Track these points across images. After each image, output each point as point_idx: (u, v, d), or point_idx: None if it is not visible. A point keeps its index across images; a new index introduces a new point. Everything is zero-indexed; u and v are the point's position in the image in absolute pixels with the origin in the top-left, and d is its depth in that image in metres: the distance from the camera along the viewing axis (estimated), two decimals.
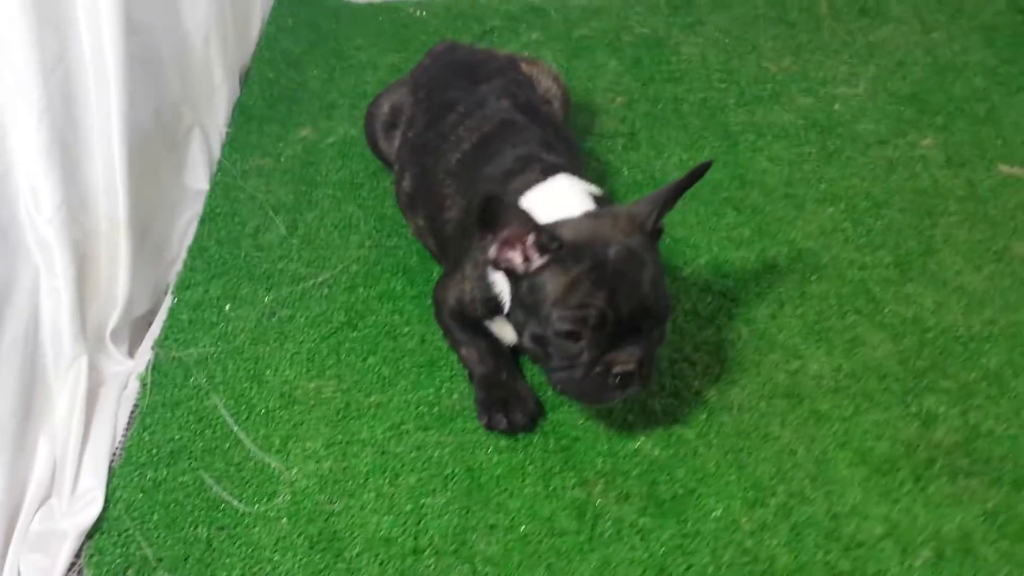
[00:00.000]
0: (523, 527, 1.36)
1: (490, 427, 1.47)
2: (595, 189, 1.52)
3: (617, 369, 1.31)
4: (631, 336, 1.32)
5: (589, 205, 1.45)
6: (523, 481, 1.42)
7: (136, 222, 1.67)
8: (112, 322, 1.62)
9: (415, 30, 2.47)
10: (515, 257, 1.35)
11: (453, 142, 1.67)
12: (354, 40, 2.44)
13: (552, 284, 1.31)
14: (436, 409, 1.54)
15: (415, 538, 1.36)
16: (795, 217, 1.86)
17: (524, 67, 1.88)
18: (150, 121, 1.78)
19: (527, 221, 1.31)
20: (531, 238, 1.32)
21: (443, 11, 2.56)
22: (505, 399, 1.48)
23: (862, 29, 2.39)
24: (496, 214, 1.29)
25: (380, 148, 1.91)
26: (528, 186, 1.50)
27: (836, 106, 2.15)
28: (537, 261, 1.33)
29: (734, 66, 2.29)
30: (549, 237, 1.31)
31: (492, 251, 1.34)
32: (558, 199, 1.45)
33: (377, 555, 1.34)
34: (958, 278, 1.71)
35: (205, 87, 2.02)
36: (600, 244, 1.32)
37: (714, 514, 1.37)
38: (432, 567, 1.32)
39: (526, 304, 1.35)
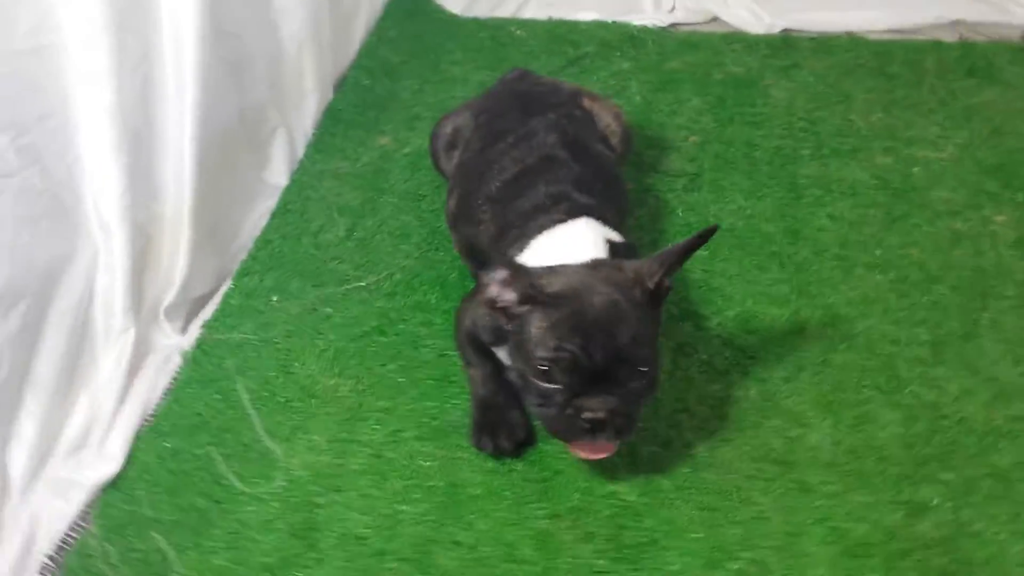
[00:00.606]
0: (485, 549, 1.42)
1: (478, 447, 1.54)
2: (615, 236, 1.56)
3: (587, 415, 1.35)
4: (606, 385, 1.36)
5: (601, 252, 1.50)
6: (497, 504, 1.48)
7: (203, 211, 1.82)
8: (167, 300, 1.78)
9: (511, 49, 2.55)
10: (507, 298, 1.41)
11: (497, 170, 1.74)
12: (452, 54, 2.54)
13: (534, 326, 1.38)
14: (436, 422, 1.61)
15: (385, 541, 1.44)
16: (840, 281, 1.82)
17: (586, 102, 1.92)
18: (234, 121, 1.94)
19: (517, 271, 1.39)
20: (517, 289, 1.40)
21: (543, 32, 2.62)
22: (496, 423, 1.55)
23: (965, 90, 2.30)
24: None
25: (440, 166, 2.01)
26: (548, 225, 1.56)
27: (915, 169, 2.08)
28: (522, 307, 1.40)
29: (819, 115, 2.25)
30: (531, 286, 1.38)
31: (488, 291, 1.42)
32: (571, 243, 1.51)
33: (347, 551, 1.43)
34: (993, 367, 1.64)
35: (295, 92, 2.17)
36: (585, 293, 1.37)
37: (671, 567, 1.39)
38: (392, 570, 1.40)
39: (514, 341, 1.42)
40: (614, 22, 2.64)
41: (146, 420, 1.66)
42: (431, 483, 1.52)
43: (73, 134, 1.55)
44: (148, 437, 1.62)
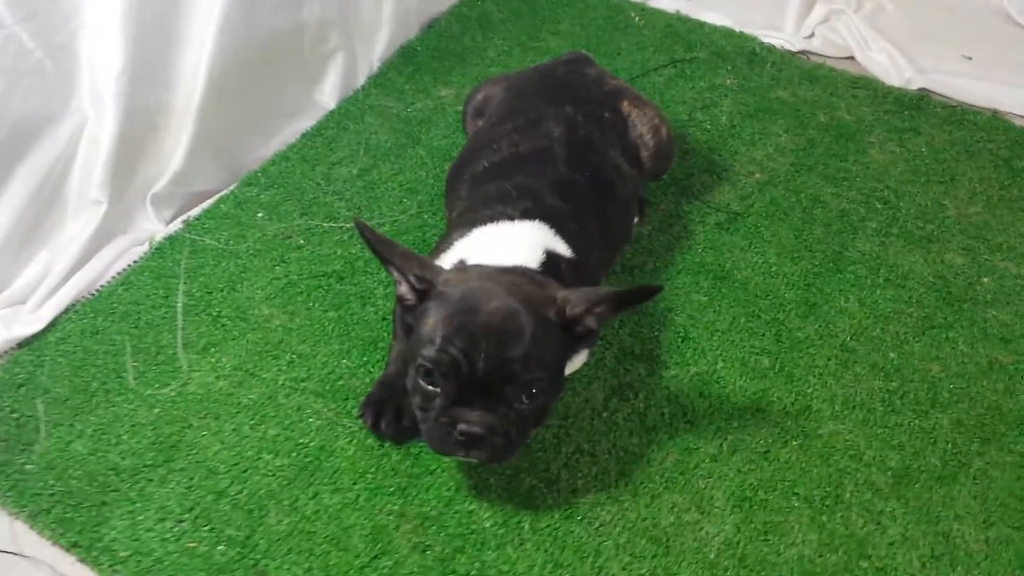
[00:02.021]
0: (318, 523, 1.37)
1: (360, 417, 1.48)
2: (564, 248, 1.44)
3: (462, 427, 1.25)
4: (488, 400, 1.26)
5: (534, 262, 1.38)
6: (353, 484, 1.42)
7: (218, 110, 1.83)
8: (157, 187, 1.80)
9: (619, 33, 2.40)
10: (405, 290, 1.33)
11: (492, 149, 1.65)
12: (558, 24, 2.42)
13: (425, 323, 1.29)
14: (341, 382, 1.56)
15: (230, 482, 1.42)
16: (831, 374, 1.61)
17: (625, 105, 1.78)
18: (284, 30, 1.94)
19: (406, 260, 1.30)
20: (407, 281, 1.31)
21: (662, 25, 2.45)
22: (387, 402, 1.47)
23: None
24: (379, 244, 1.29)
25: (466, 130, 1.93)
26: (496, 219, 1.46)
27: (986, 279, 1.80)
28: (413, 296, 1.32)
29: (909, 191, 1.98)
30: (419, 279, 1.30)
31: (398, 288, 1.34)
32: (506, 243, 1.41)
33: (192, 479, 1.42)
34: (954, 523, 1.41)
35: (366, 20, 2.13)
36: (484, 298, 1.27)
37: None
38: (223, 514, 1.37)
39: (412, 337, 1.33)
40: (740, 33, 2.43)
41: (91, 294, 1.69)
42: (303, 440, 1.48)
43: (80, 7, 1.57)
44: (82, 311, 1.66)
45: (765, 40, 2.41)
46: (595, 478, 1.44)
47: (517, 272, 1.34)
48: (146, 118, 1.74)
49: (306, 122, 2.06)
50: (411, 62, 2.25)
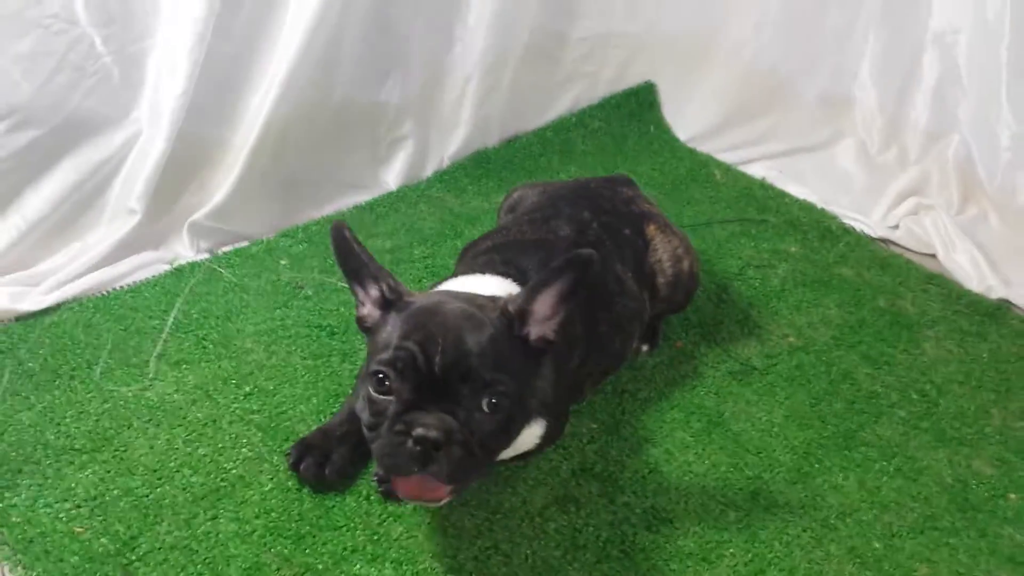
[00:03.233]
0: (203, 545, 1.33)
1: (286, 454, 1.44)
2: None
3: (418, 432, 1.14)
4: (445, 402, 1.17)
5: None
6: (255, 518, 1.38)
7: (271, 161, 1.94)
8: (196, 215, 1.89)
9: (699, 186, 2.40)
10: (368, 311, 1.31)
11: (500, 235, 1.66)
12: (638, 165, 2.45)
13: (382, 331, 1.25)
14: (288, 424, 1.55)
15: (140, 485, 1.41)
16: (802, 545, 1.45)
17: (651, 229, 1.75)
18: (364, 106, 2.06)
19: (382, 270, 1.28)
20: (379, 288, 1.28)
21: (741, 185, 2.43)
22: (317, 447, 1.44)
23: None
24: (358, 249, 1.27)
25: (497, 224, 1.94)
26: (468, 272, 1.47)
27: (1012, 495, 1.60)
28: (376, 311, 1.29)
29: (954, 390, 1.82)
30: (391, 289, 1.27)
31: (360, 309, 1.32)
32: (474, 287, 1.38)
33: (108, 472, 1.42)
34: None
35: (446, 117, 2.22)
36: (443, 302, 1.25)
37: None
38: (120, 511, 1.36)
39: (367, 355, 1.30)
40: (821, 209, 2.37)
41: (100, 293, 1.77)
42: (227, 466, 1.46)
43: (155, 24, 1.71)
44: (84, 304, 1.74)
45: (845, 220, 2.34)
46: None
47: (471, 295, 1.31)
48: (199, 147, 1.85)
49: (363, 196, 2.14)
50: (481, 167, 2.31)
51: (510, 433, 1.28)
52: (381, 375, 1.20)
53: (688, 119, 2.61)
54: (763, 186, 2.45)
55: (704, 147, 2.59)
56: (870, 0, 2.52)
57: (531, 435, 1.43)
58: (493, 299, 1.30)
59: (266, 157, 1.93)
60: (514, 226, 1.67)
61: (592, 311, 1.57)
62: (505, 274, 1.46)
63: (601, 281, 1.61)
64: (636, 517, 1.46)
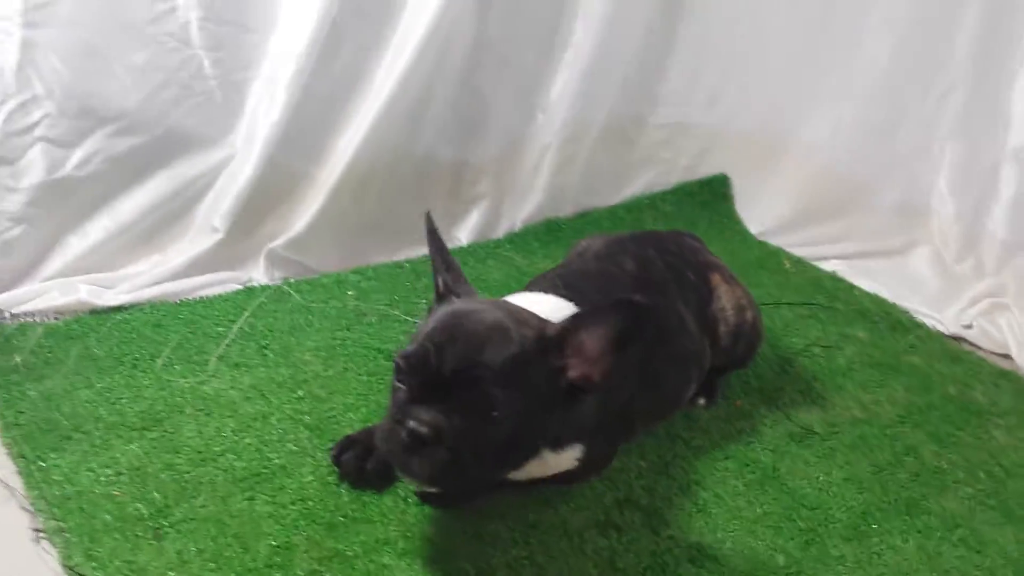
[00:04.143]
0: (236, 520, 1.32)
1: (331, 451, 1.44)
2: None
3: (410, 424, 1.16)
4: (443, 404, 1.17)
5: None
6: (291, 503, 1.37)
7: (350, 204, 2.01)
8: (274, 243, 1.97)
9: (768, 272, 2.39)
10: None
11: (564, 267, 1.70)
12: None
13: (421, 323, 1.28)
14: (337, 427, 1.55)
15: (184, 463, 1.42)
16: None
17: (715, 278, 1.75)
18: (444, 161, 2.14)
19: (442, 264, 1.32)
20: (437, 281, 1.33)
21: (811, 276, 2.41)
22: (360, 442, 1.43)
23: None
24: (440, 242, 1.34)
25: None
26: (526, 291, 1.48)
27: None
28: None
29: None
30: (446, 285, 1.32)
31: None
32: (528, 304, 1.39)
33: (154, 448, 1.44)
34: None
35: (521, 183, 2.29)
36: (478, 309, 1.26)
37: None
38: (160, 481, 1.37)
39: None
40: (893, 303, 2.33)
41: (175, 301, 1.83)
42: (270, 456, 1.47)
43: (261, 57, 1.84)
44: (156, 306, 1.81)
45: (916, 316, 2.29)
46: None
47: (517, 307, 1.31)
48: (286, 178, 1.94)
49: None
50: (553, 234, 2.36)
51: (508, 452, 1.26)
52: (397, 364, 1.23)
53: (760, 213, 2.63)
54: (833, 278, 2.43)
55: (775, 241, 2.60)
56: (947, 114, 2.54)
57: (567, 457, 1.41)
58: (540, 319, 1.29)
59: (347, 197, 2.01)
60: (577, 260, 1.69)
61: (651, 345, 1.55)
62: (566, 297, 1.46)
63: (664, 318, 1.60)
64: (680, 550, 1.40)
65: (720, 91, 2.53)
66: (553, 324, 1.25)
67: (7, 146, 1.62)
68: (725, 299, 1.73)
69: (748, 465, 1.63)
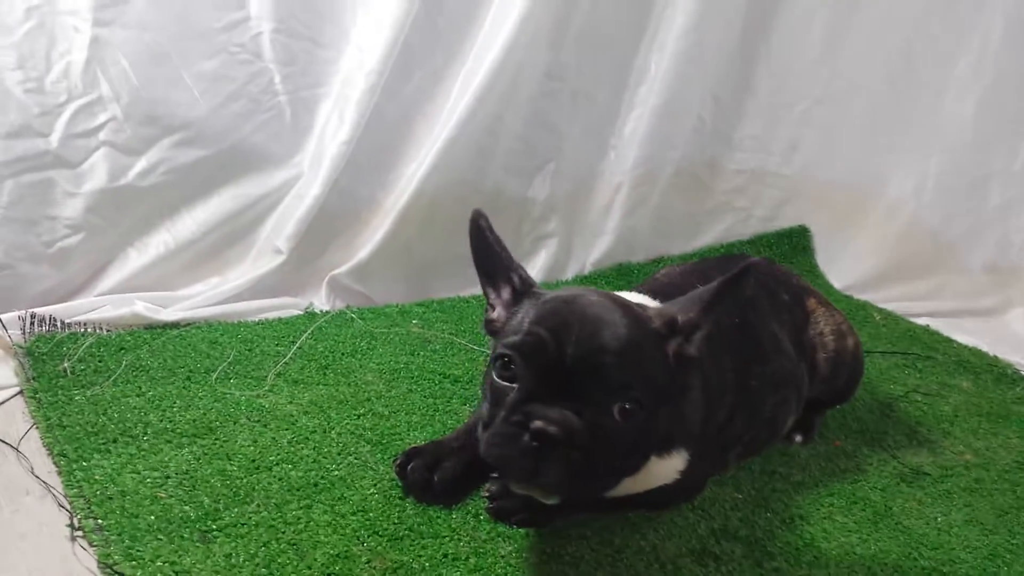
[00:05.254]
0: (292, 528, 1.18)
1: (394, 463, 1.31)
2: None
3: (536, 424, 1.01)
4: (572, 400, 1.04)
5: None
6: (351, 514, 1.23)
7: (413, 236, 1.94)
8: (337, 271, 1.88)
9: (859, 324, 2.22)
10: (498, 315, 1.22)
11: (646, 281, 1.57)
12: None
13: (514, 319, 1.15)
14: (400, 443, 1.42)
15: (236, 469, 1.29)
16: None
17: (812, 302, 1.61)
18: (513, 197, 2.07)
19: (510, 261, 1.21)
20: (511, 282, 1.21)
21: (903, 329, 2.27)
22: (426, 453, 1.31)
23: None
24: (494, 239, 1.20)
25: None
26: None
27: None
28: (505, 312, 1.20)
29: None
30: (523, 281, 1.20)
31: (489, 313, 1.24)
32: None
33: (205, 455, 1.32)
34: None
35: (592, 224, 2.19)
36: (581, 296, 1.14)
37: None
38: (210, 486, 1.24)
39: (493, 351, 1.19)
40: (994, 356, 2.16)
41: (232, 319, 1.73)
42: (329, 466, 1.34)
43: (332, 74, 1.79)
44: (213, 324, 1.72)
45: (1021, 370, 2.11)
46: None
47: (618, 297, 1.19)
48: (351, 203, 1.86)
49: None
50: (624, 278, 2.24)
51: (639, 451, 1.14)
52: (507, 359, 1.09)
53: (843, 268, 2.50)
54: (927, 331, 2.28)
55: (860, 296, 2.45)
56: None
57: (669, 467, 1.27)
58: (643, 305, 1.19)
59: (412, 228, 1.93)
60: (664, 278, 1.58)
61: (746, 362, 1.42)
62: (651, 295, 1.35)
63: (755, 335, 1.47)
64: None
65: (799, 139, 2.44)
66: (678, 308, 1.15)
67: (70, 147, 1.56)
68: (824, 323, 1.59)
69: (856, 503, 1.46)
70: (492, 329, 1.22)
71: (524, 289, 1.19)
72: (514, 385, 1.07)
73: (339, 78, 1.80)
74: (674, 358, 1.13)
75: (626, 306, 1.14)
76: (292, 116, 1.78)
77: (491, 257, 1.21)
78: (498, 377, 1.10)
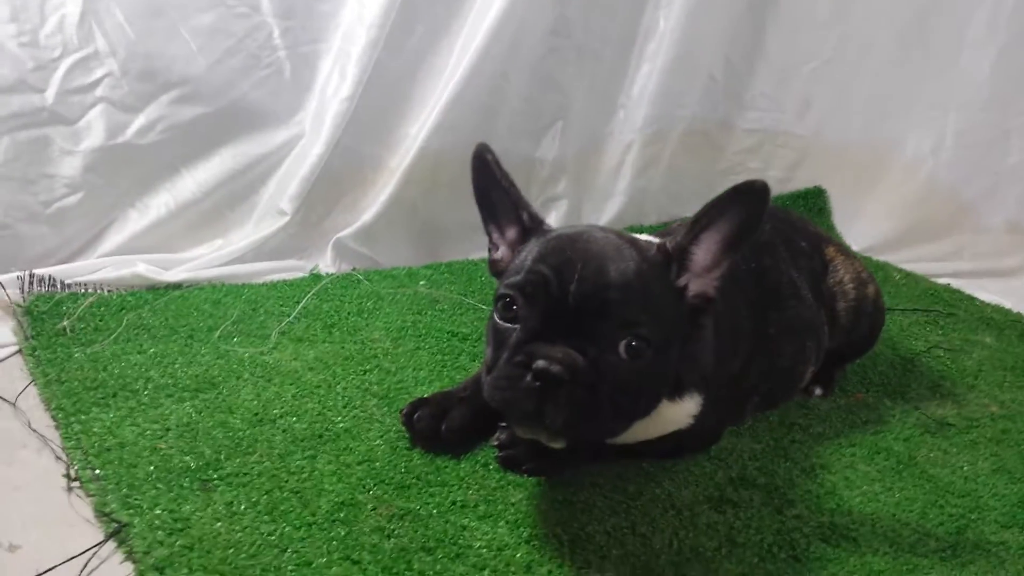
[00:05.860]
0: (295, 477, 1.15)
1: (401, 414, 1.27)
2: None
3: (539, 363, 0.98)
4: (576, 338, 1.00)
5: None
6: (357, 463, 1.20)
7: (418, 195, 1.90)
8: (342, 232, 1.84)
9: (889, 285, 2.18)
10: (503, 254, 1.19)
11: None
12: None
13: (517, 258, 1.12)
14: (406, 396, 1.38)
15: (239, 422, 1.26)
16: None
17: (831, 250, 1.56)
18: (521, 159, 2.02)
19: (519, 198, 1.17)
20: (518, 218, 1.17)
21: (923, 287, 2.21)
22: (433, 403, 1.27)
23: None
24: (500, 172, 1.16)
25: None
26: None
27: None
28: (510, 251, 1.17)
29: None
30: (532, 218, 1.16)
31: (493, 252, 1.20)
32: None
33: (207, 408, 1.29)
34: None
35: (600, 186, 2.15)
36: (586, 232, 1.10)
37: None
38: (212, 438, 1.21)
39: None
40: (1019, 313, 2.10)
41: (236, 281, 1.70)
42: (334, 419, 1.31)
43: (332, 28, 1.74)
44: (216, 286, 1.68)
45: None
46: (635, 562, 1.08)
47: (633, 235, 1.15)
48: (355, 162, 1.82)
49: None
50: None
51: (647, 391, 1.09)
52: (508, 299, 1.06)
53: (860, 229, 2.45)
54: (948, 290, 2.22)
55: (879, 258, 2.40)
56: None
57: (682, 412, 1.22)
58: (649, 240, 1.15)
59: (418, 188, 1.89)
60: (674, 226, 1.53)
61: (762, 309, 1.38)
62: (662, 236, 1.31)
63: (772, 281, 1.42)
64: (809, 528, 1.19)
65: (812, 97, 2.38)
66: (668, 238, 1.10)
67: (66, 104, 1.53)
68: (843, 271, 1.54)
69: (879, 453, 1.41)
70: (496, 270, 1.19)
71: (533, 227, 1.15)
72: (516, 326, 1.04)
73: (339, 32, 1.75)
74: (679, 295, 1.09)
75: (633, 241, 1.10)
76: (292, 72, 1.74)
77: (497, 194, 1.17)
78: (500, 319, 1.07)
